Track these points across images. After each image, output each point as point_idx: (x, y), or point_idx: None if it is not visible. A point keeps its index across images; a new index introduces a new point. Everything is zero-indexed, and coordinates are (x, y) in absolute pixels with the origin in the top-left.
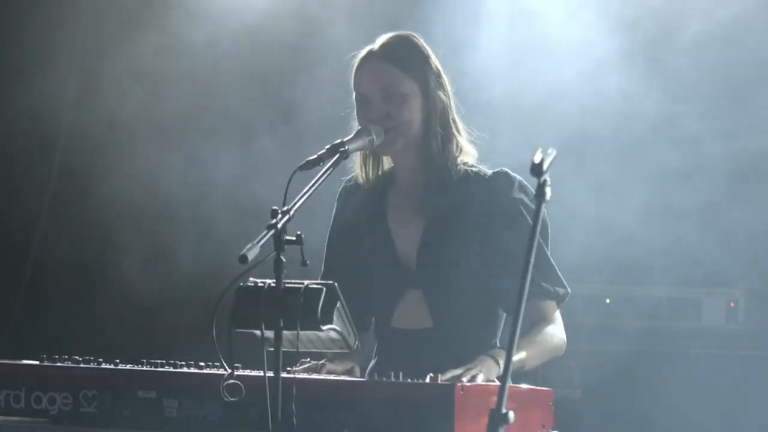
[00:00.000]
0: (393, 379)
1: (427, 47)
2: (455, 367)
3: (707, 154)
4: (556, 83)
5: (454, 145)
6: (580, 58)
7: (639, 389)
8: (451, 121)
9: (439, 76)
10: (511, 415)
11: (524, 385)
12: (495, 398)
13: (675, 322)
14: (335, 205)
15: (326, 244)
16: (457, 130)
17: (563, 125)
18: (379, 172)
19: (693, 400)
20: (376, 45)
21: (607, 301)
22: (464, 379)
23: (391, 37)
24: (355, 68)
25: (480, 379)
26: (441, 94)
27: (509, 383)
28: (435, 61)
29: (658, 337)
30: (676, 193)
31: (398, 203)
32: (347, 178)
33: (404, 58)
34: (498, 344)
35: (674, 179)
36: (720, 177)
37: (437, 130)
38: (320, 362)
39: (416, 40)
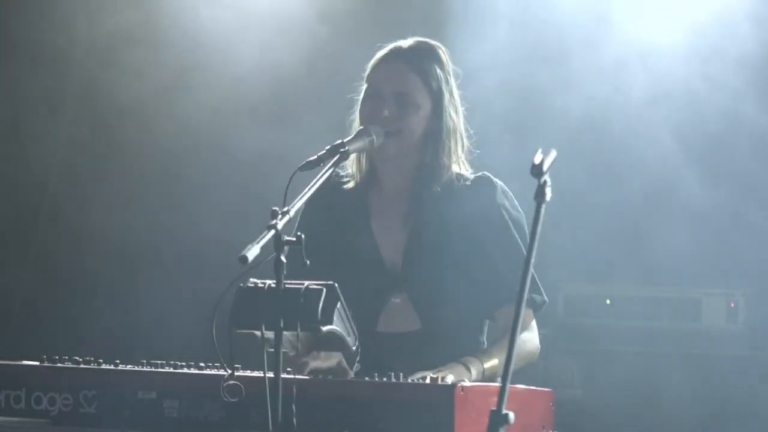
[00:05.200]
0: (393, 380)
1: (450, 63)
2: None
3: (706, 154)
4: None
5: (452, 163)
6: None
7: (639, 389)
8: (456, 140)
9: (453, 95)
10: (512, 415)
11: (524, 386)
12: (495, 399)
13: (675, 322)
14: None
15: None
16: (461, 150)
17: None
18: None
19: (693, 400)
20: (404, 45)
21: (607, 301)
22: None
23: (420, 43)
24: (376, 60)
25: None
26: (452, 112)
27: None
28: (453, 79)
29: (658, 337)
30: (677, 193)
31: (382, 207)
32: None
33: (427, 69)
34: (485, 342)
35: (675, 179)
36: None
37: (443, 146)
38: (302, 361)
39: (442, 54)
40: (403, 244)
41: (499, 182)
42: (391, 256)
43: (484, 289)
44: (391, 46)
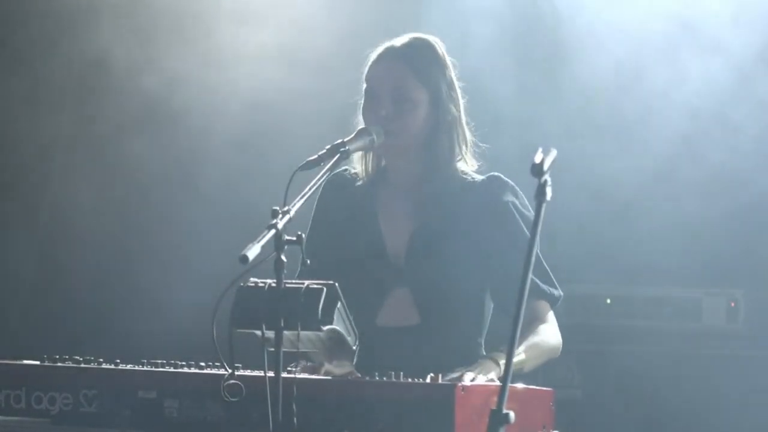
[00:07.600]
0: (393, 379)
1: (446, 56)
2: (438, 364)
3: (707, 154)
4: None
5: (457, 157)
6: None
7: (639, 389)
8: (457, 134)
9: (451, 87)
10: (512, 415)
11: (524, 385)
12: (495, 398)
13: (675, 322)
14: (317, 197)
15: (307, 237)
16: (464, 143)
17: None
18: (377, 168)
19: (693, 400)
20: (397, 43)
21: (608, 301)
22: (465, 379)
23: (414, 39)
24: (371, 61)
25: (480, 380)
26: (451, 106)
27: (509, 383)
28: (451, 72)
29: (658, 337)
30: (677, 193)
31: (389, 202)
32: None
33: (421, 64)
34: (482, 343)
35: (674, 179)
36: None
37: (443, 140)
38: (317, 363)
39: (437, 48)
40: (408, 237)
41: (510, 181)
42: (395, 249)
43: (498, 287)
44: (386, 44)
